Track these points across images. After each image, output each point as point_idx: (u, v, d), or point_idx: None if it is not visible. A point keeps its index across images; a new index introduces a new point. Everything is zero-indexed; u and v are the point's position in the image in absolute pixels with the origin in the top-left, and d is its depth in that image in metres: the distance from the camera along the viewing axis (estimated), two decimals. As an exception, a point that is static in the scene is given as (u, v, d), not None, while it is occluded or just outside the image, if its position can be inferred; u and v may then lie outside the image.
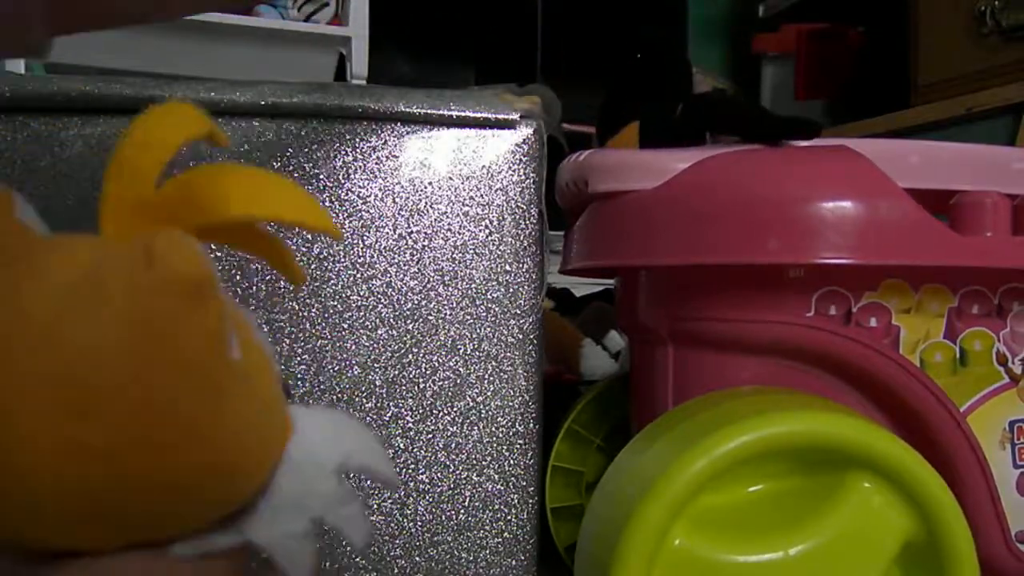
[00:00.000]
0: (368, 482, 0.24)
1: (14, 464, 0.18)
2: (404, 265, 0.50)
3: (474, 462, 0.51)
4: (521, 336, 0.51)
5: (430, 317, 0.50)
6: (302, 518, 0.23)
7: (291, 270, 0.25)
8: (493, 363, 0.51)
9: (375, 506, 0.49)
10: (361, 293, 0.49)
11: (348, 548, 0.49)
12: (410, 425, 0.50)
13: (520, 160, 0.51)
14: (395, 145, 0.50)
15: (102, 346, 0.18)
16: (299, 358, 0.48)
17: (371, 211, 0.50)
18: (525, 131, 0.51)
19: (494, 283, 0.51)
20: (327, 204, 0.49)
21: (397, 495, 0.49)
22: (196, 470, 0.20)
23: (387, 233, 0.50)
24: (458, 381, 0.50)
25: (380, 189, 0.50)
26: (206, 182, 0.21)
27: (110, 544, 0.21)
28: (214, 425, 0.20)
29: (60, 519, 0.20)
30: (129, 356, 0.18)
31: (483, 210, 0.51)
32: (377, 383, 0.49)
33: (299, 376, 0.48)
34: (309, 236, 0.49)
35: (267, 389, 0.22)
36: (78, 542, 0.21)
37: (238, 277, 0.48)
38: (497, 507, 0.51)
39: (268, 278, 0.48)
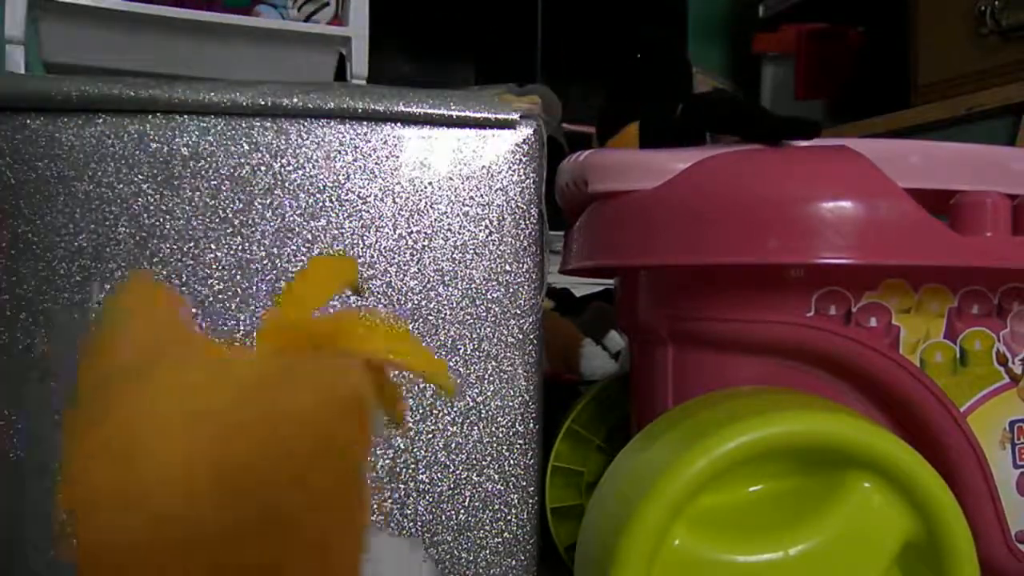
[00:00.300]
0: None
1: (162, 532, 0.21)
2: (404, 265, 0.50)
3: (474, 462, 0.51)
4: (521, 336, 0.51)
5: (430, 317, 0.50)
6: None
7: (398, 419, 0.29)
8: (493, 363, 0.51)
9: (375, 506, 0.49)
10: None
11: (348, 548, 0.49)
12: (410, 425, 0.50)
13: (520, 160, 0.51)
14: (395, 145, 0.50)
15: (285, 458, 0.21)
16: (299, 358, 0.48)
17: (371, 211, 0.50)
18: (525, 131, 0.51)
19: (494, 283, 0.51)
20: (327, 204, 0.49)
21: (397, 495, 0.49)
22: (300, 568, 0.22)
23: (387, 233, 0.50)
24: (458, 381, 0.50)
25: (380, 189, 0.50)
26: (355, 324, 0.25)
27: None
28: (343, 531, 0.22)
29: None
30: (300, 456, 0.21)
31: (483, 210, 0.51)
32: (377, 383, 0.49)
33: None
34: (309, 237, 0.49)
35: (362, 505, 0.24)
36: None
37: (238, 277, 0.48)
38: (497, 507, 0.51)
39: (268, 278, 0.48)
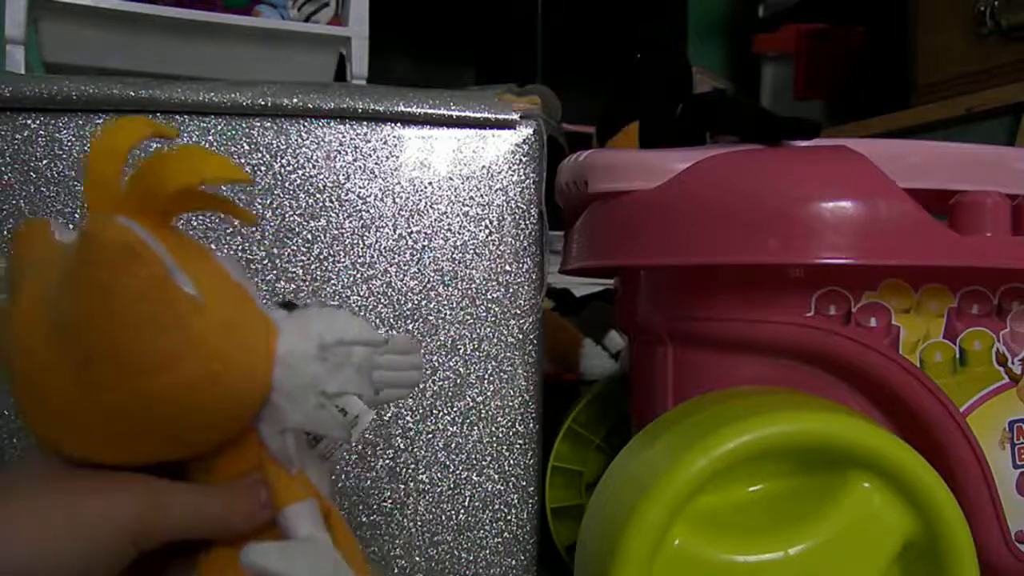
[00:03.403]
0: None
1: (63, 407, 0.26)
2: (404, 265, 0.50)
3: (474, 462, 0.51)
4: (521, 336, 0.51)
5: (430, 317, 0.50)
6: (310, 396, 0.29)
7: (242, 215, 0.32)
8: (493, 363, 0.51)
9: (375, 506, 0.49)
10: (361, 293, 0.49)
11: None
12: (410, 425, 0.50)
13: (520, 160, 0.51)
14: (395, 145, 0.50)
15: (81, 313, 0.25)
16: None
17: (371, 211, 0.50)
18: (525, 131, 0.51)
19: (494, 283, 0.51)
20: (327, 204, 0.49)
21: (397, 495, 0.49)
22: (187, 385, 0.26)
23: (387, 233, 0.50)
24: (458, 381, 0.50)
25: (380, 189, 0.50)
26: (148, 172, 0.27)
27: (142, 459, 0.28)
28: (185, 347, 0.26)
29: (89, 439, 0.27)
30: (96, 313, 0.25)
31: (483, 210, 0.51)
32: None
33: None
34: (309, 237, 0.49)
35: (234, 305, 0.28)
36: (120, 459, 0.28)
37: (238, 277, 0.48)
38: (497, 507, 0.51)
39: (269, 278, 0.48)
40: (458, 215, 0.50)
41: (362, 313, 0.49)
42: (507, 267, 0.51)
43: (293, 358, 0.29)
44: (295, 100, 0.48)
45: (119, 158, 0.27)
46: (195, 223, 0.48)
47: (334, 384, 0.29)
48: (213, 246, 0.48)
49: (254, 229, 0.49)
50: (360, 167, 0.50)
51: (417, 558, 0.50)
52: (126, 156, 0.28)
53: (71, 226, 0.27)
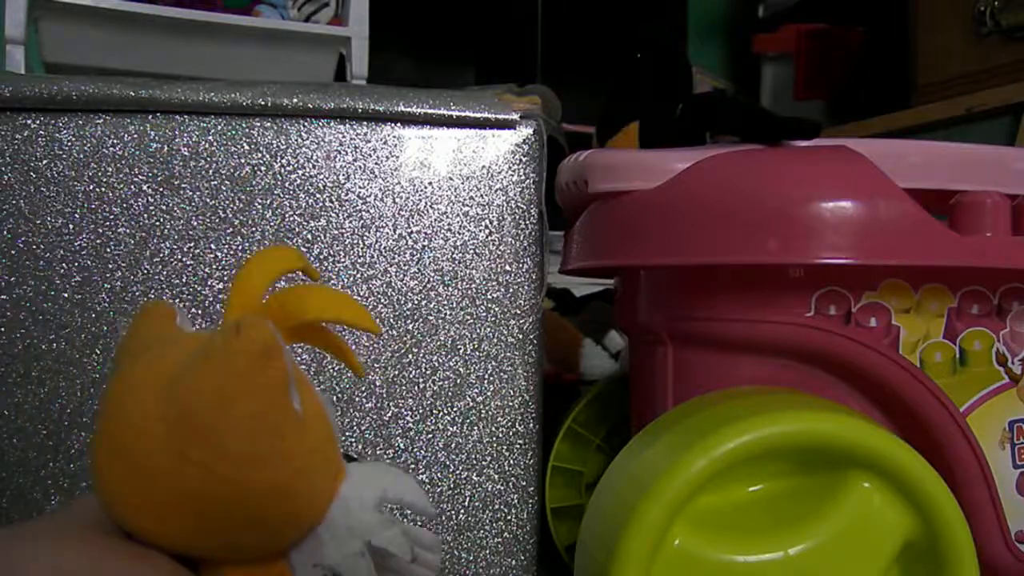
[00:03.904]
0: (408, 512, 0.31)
1: (144, 473, 0.27)
2: (404, 265, 0.50)
3: (474, 462, 0.51)
4: (521, 336, 0.51)
5: (430, 317, 0.50)
6: (356, 541, 0.30)
7: (354, 366, 0.34)
8: (493, 363, 0.51)
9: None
10: (361, 293, 0.49)
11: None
12: (410, 425, 0.50)
13: (520, 160, 0.51)
14: (395, 145, 0.50)
15: (203, 390, 0.26)
16: (299, 359, 0.48)
17: (371, 211, 0.50)
18: (525, 131, 0.51)
19: (494, 283, 0.51)
20: (327, 204, 0.49)
21: (397, 495, 0.49)
22: (265, 491, 0.27)
23: (387, 233, 0.50)
24: (458, 381, 0.50)
25: (380, 189, 0.50)
26: (292, 297, 0.30)
27: (179, 542, 0.28)
28: (277, 456, 0.27)
29: (162, 518, 0.28)
30: (219, 398, 0.26)
31: (483, 210, 0.51)
32: (377, 383, 0.49)
33: (299, 376, 0.48)
34: (309, 237, 0.49)
35: (322, 436, 0.29)
36: (189, 549, 0.28)
37: (238, 277, 0.48)
38: (497, 507, 0.51)
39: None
40: (458, 215, 0.50)
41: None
42: (507, 267, 0.51)
43: (353, 501, 0.30)
44: (295, 100, 0.48)
45: (269, 278, 0.31)
46: (194, 222, 0.48)
47: (380, 538, 0.30)
48: (213, 246, 0.48)
49: (254, 229, 0.49)
50: (360, 167, 0.50)
51: (417, 558, 0.50)
52: (275, 280, 0.31)
53: (120, 248, 0.29)
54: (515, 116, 0.50)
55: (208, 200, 0.48)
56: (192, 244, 0.48)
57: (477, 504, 0.50)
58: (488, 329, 0.51)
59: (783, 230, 0.42)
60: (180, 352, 0.28)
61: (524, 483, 0.51)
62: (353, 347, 0.49)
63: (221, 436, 0.26)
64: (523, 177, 0.51)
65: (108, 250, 0.47)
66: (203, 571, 0.30)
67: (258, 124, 0.49)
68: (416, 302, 0.50)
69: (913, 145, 0.48)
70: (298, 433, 0.28)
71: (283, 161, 0.49)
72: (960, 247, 0.43)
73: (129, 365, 0.28)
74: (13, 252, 0.47)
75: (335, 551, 0.30)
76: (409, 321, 0.50)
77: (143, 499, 0.28)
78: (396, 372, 0.49)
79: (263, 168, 0.49)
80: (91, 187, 0.47)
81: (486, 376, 0.51)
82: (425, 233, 0.50)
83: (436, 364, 0.50)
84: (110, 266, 0.47)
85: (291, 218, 0.49)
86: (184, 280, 0.48)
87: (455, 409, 0.50)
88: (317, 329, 0.31)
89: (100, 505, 0.29)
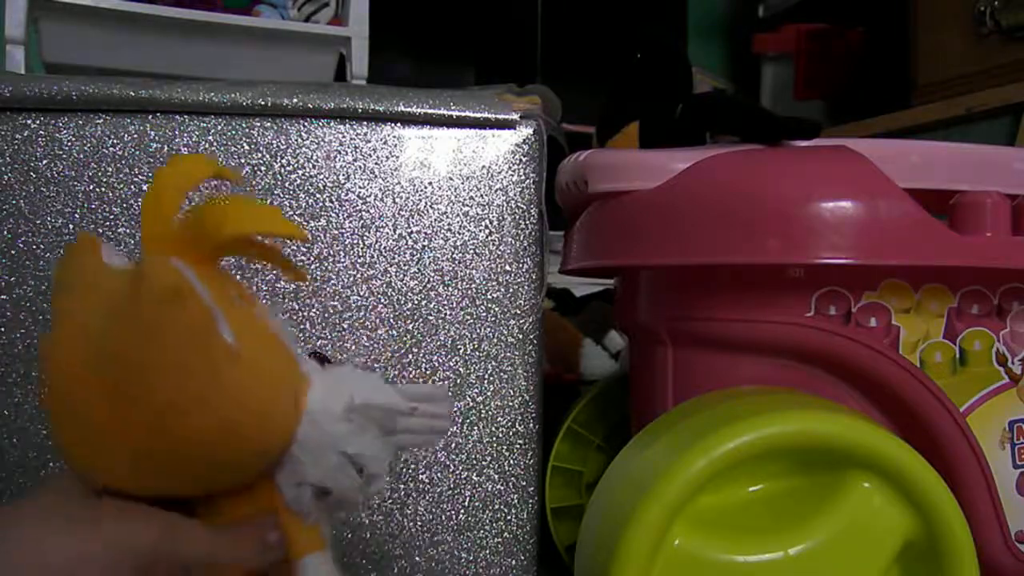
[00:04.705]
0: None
1: (94, 435, 0.27)
2: (404, 265, 0.50)
3: (474, 462, 0.51)
4: (521, 336, 0.51)
5: (430, 317, 0.50)
6: (331, 454, 0.30)
7: (291, 271, 0.33)
8: (493, 363, 0.51)
9: (375, 506, 0.49)
10: (361, 293, 0.49)
11: (350, 548, 0.49)
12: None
13: (520, 160, 0.51)
14: (395, 145, 0.50)
15: (123, 348, 0.26)
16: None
17: (371, 211, 0.50)
18: (525, 131, 0.51)
19: (494, 283, 0.51)
20: (327, 204, 0.49)
21: (397, 495, 0.49)
22: (210, 432, 0.27)
23: (387, 233, 0.50)
24: (458, 381, 0.50)
25: (380, 189, 0.50)
26: (207, 215, 0.28)
27: (161, 492, 0.29)
28: (214, 395, 0.26)
29: (115, 467, 0.28)
30: (137, 350, 0.25)
31: (483, 210, 0.51)
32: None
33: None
34: (309, 237, 0.49)
35: (273, 359, 0.29)
36: (142, 490, 0.28)
37: (238, 277, 0.48)
38: (497, 507, 0.51)
39: (269, 278, 0.48)
40: (458, 215, 0.50)
41: (362, 313, 0.49)
42: (507, 267, 0.51)
43: (320, 415, 0.30)
44: (295, 100, 0.48)
45: (180, 194, 0.29)
46: (195, 223, 0.48)
47: (356, 446, 0.30)
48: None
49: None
50: (360, 167, 0.50)
51: (417, 558, 0.50)
52: (186, 193, 0.29)
53: (121, 248, 0.28)
54: (515, 116, 0.50)
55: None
56: (192, 244, 0.48)
57: (477, 504, 0.50)
58: (488, 329, 0.51)
59: (783, 230, 0.42)
60: (101, 299, 0.27)
61: (524, 483, 0.51)
62: (352, 347, 0.49)
63: (149, 389, 0.26)
64: (523, 177, 0.51)
65: (108, 250, 0.47)
66: (198, 506, 0.30)
67: (258, 124, 0.49)
68: (416, 302, 0.50)
69: (913, 145, 0.48)
70: (234, 363, 0.27)
71: (283, 161, 0.49)
72: (960, 247, 0.43)
73: (59, 318, 0.28)
74: (13, 252, 0.47)
75: (313, 467, 0.30)
76: (409, 321, 0.50)
77: (104, 459, 0.27)
78: (396, 372, 0.49)
79: (263, 168, 0.49)
80: (91, 187, 0.47)
81: (486, 376, 0.51)
82: (425, 233, 0.50)
83: (436, 364, 0.50)
84: (110, 266, 0.47)
85: (291, 218, 0.49)
86: (184, 280, 0.48)
87: (455, 409, 0.50)
88: (243, 241, 0.30)
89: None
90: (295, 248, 0.49)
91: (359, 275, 0.49)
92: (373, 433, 0.31)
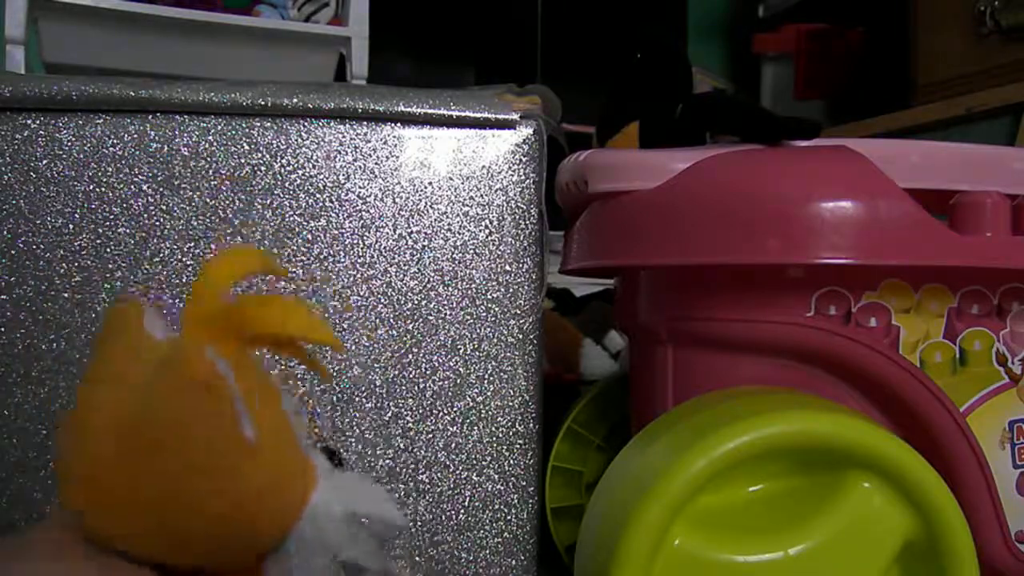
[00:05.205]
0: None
1: (110, 501, 0.28)
2: (404, 265, 0.50)
3: (474, 462, 0.51)
4: (521, 336, 0.51)
5: (430, 317, 0.50)
6: (325, 555, 0.30)
7: (318, 369, 0.35)
8: (493, 363, 0.51)
9: (375, 506, 0.49)
10: (361, 293, 0.49)
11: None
12: (410, 425, 0.50)
13: (520, 160, 0.51)
14: (395, 145, 0.50)
15: (150, 423, 0.27)
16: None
17: (371, 211, 0.50)
18: (525, 131, 0.51)
19: (494, 283, 0.51)
20: (327, 204, 0.49)
21: (397, 495, 0.49)
22: (221, 520, 0.28)
23: (387, 233, 0.50)
24: (458, 381, 0.50)
25: (380, 189, 0.50)
26: (249, 307, 0.30)
27: (176, 562, 0.29)
28: (229, 483, 0.27)
29: (137, 536, 0.28)
30: (163, 431, 0.27)
31: (483, 210, 0.51)
32: (377, 383, 0.49)
33: (298, 377, 0.48)
34: (309, 237, 0.49)
35: (283, 454, 0.30)
36: (155, 558, 0.29)
37: (238, 277, 0.48)
38: (497, 507, 0.51)
39: (269, 278, 0.48)
40: (458, 215, 0.50)
41: (362, 313, 0.49)
42: (507, 267, 0.51)
43: (321, 518, 0.30)
44: (295, 100, 0.48)
45: (228, 282, 0.30)
46: (194, 222, 0.48)
47: (350, 554, 0.31)
48: (213, 246, 0.48)
49: (254, 229, 0.49)
50: (360, 167, 0.50)
51: (417, 558, 0.50)
52: (235, 282, 0.30)
53: (166, 320, 0.29)
54: (515, 116, 0.50)
55: (208, 200, 0.48)
56: (192, 244, 0.48)
57: (477, 504, 0.50)
58: (488, 329, 0.51)
59: (783, 230, 0.42)
60: (138, 372, 0.28)
61: (524, 483, 0.51)
62: (352, 347, 0.49)
63: (170, 471, 0.27)
64: (523, 177, 0.51)
65: (108, 250, 0.47)
66: None
67: (258, 124, 0.49)
68: (416, 302, 0.50)
69: (913, 145, 0.48)
70: (250, 457, 0.28)
71: (283, 161, 0.49)
72: (960, 247, 0.43)
73: (98, 372, 0.29)
74: (13, 252, 0.47)
75: (304, 563, 0.30)
76: (409, 321, 0.50)
77: (101, 503, 0.28)
78: (396, 372, 0.49)
79: (263, 168, 0.49)
80: (91, 187, 0.47)
81: (486, 376, 0.51)
82: (425, 233, 0.50)
83: (436, 364, 0.50)
84: (110, 266, 0.47)
85: (291, 218, 0.49)
86: (184, 280, 0.48)
87: (455, 409, 0.50)
88: (279, 339, 0.31)
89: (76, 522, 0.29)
90: (296, 249, 0.49)
91: (359, 275, 0.49)
92: (368, 544, 0.31)
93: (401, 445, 0.50)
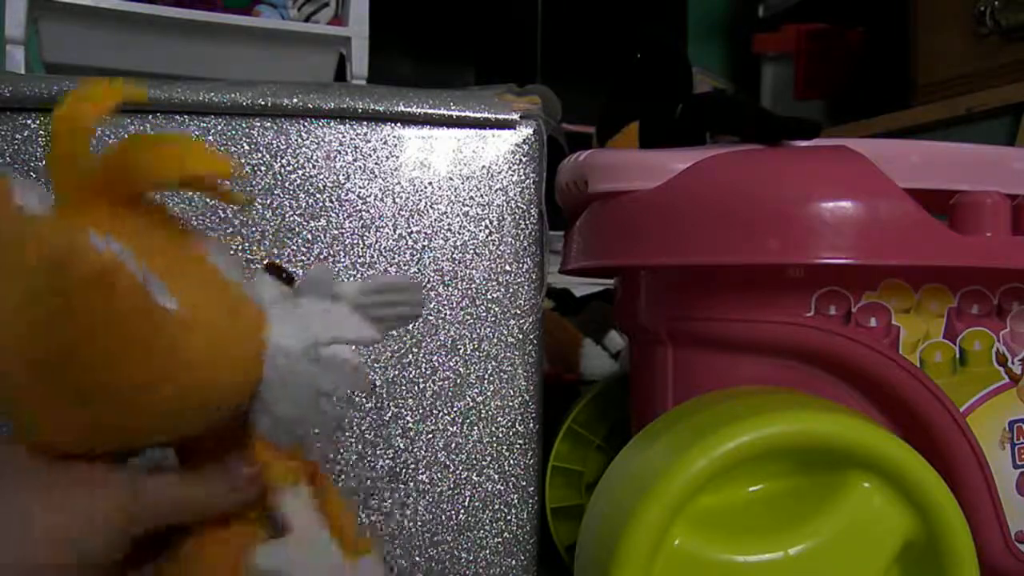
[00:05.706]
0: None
1: (27, 397, 0.26)
2: (404, 265, 0.50)
3: (474, 462, 0.51)
4: (521, 336, 0.51)
5: (430, 317, 0.50)
6: (303, 393, 0.29)
7: (227, 198, 0.30)
8: (493, 363, 0.51)
9: (375, 506, 0.49)
10: (361, 293, 0.49)
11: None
12: (410, 425, 0.50)
13: (520, 160, 0.51)
14: (395, 145, 0.50)
15: (60, 341, 0.24)
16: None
17: (371, 211, 0.50)
18: (525, 131, 0.51)
19: (494, 283, 0.51)
20: (327, 204, 0.49)
21: (397, 495, 0.49)
22: (175, 398, 0.26)
23: (387, 233, 0.50)
24: (458, 381, 0.50)
25: (380, 189, 0.50)
26: (125, 159, 0.25)
27: (127, 448, 0.28)
28: (173, 363, 0.25)
29: (72, 435, 0.26)
30: (76, 344, 0.24)
31: (483, 210, 0.51)
32: (377, 383, 0.49)
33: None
34: (309, 237, 0.49)
35: (224, 312, 0.27)
36: (106, 447, 0.27)
37: (238, 277, 0.48)
38: (497, 507, 0.51)
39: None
40: (458, 215, 0.50)
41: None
42: (507, 267, 0.51)
43: (285, 358, 0.29)
44: (295, 100, 0.48)
45: (87, 131, 0.25)
46: (194, 222, 0.48)
47: (328, 384, 0.29)
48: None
49: (254, 229, 0.49)
50: (360, 167, 0.49)
51: (417, 558, 0.50)
52: (95, 128, 0.25)
53: (38, 194, 0.25)
54: (515, 116, 0.50)
55: (208, 200, 0.48)
56: (192, 244, 0.48)
57: (477, 504, 0.50)
58: (488, 329, 0.51)
59: (783, 230, 0.42)
60: (20, 265, 0.24)
61: (524, 483, 0.51)
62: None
63: (105, 379, 0.25)
64: (523, 177, 0.51)
65: (108, 250, 0.47)
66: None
67: (258, 124, 0.49)
68: (416, 302, 0.50)
69: (913, 145, 0.48)
70: (185, 328, 0.25)
71: (283, 161, 0.49)
72: (960, 247, 0.43)
73: None
74: (13, 252, 0.46)
75: (286, 407, 0.29)
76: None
77: (53, 425, 0.26)
78: (396, 372, 0.49)
79: (263, 168, 0.49)
80: (91, 187, 0.47)
81: (486, 376, 0.51)
82: (425, 233, 0.50)
83: (436, 364, 0.50)
84: (110, 266, 0.47)
85: (291, 218, 0.49)
86: (184, 280, 0.48)
87: (455, 409, 0.50)
88: (181, 182, 0.27)
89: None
90: (296, 249, 0.49)
91: (359, 275, 0.49)
92: (343, 369, 0.30)
93: (401, 445, 0.50)
